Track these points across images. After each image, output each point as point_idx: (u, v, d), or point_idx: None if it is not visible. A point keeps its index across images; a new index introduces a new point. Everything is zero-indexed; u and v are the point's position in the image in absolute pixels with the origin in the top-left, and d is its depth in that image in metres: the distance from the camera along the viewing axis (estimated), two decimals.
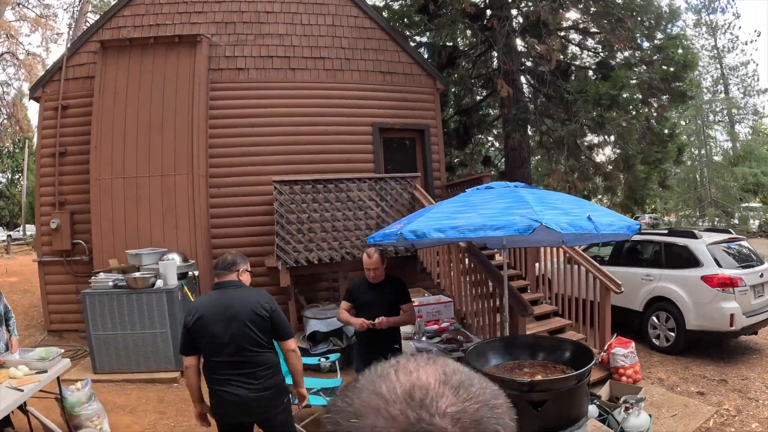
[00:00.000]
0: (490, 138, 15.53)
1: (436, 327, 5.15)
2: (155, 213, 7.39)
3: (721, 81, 19.29)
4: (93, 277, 5.99)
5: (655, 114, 9.47)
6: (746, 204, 16.18)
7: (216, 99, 8.00)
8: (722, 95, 21.28)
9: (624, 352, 5.47)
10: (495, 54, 11.60)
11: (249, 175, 8.02)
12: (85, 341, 6.58)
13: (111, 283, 5.84)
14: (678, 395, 5.20)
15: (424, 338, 4.91)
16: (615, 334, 6.18)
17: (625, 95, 8.35)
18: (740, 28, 36.84)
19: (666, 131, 9.63)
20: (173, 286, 5.92)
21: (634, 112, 8.87)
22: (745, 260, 6.67)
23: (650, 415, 4.07)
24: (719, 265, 6.33)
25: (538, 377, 3.55)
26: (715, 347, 6.71)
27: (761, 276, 6.56)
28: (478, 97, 13.67)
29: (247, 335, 2.82)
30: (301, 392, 3.14)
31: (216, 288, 2.99)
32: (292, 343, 3.03)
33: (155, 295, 5.79)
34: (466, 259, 5.74)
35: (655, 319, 6.87)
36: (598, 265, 6.00)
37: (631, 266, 7.24)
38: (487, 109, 14.47)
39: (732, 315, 6.03)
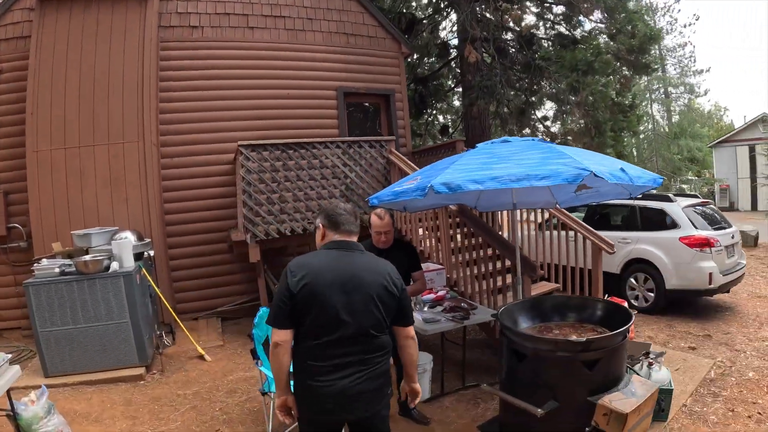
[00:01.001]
0: (445, 106, 15.34)
1: (432, 296, 4.80)
2: (102, 187, 6.54)
3: (659, 61, 20.25)
4: (35, 265, 5.13)
5: (618, 86, 9.60)
6: (685, 177, 17.13)
7: (167, 60, 7.18)
8: (659, 74, 22.38)
9: None
10: (455, 21, 11.31)
11: (206, 142, 7.30)
12: (30, 340, 5.79)
13: (57, 270, 5.03)
14: (673, 351, 5.19)
15: (426, 308, 4.55)
16: (606, 295, 6.14)
17: (601, 62, 8.34)
18: (679, 11, 38.76)
19: (627, 102, 9.78)
20: (130, 268, 5.20)
21: (604, 80, 8.90)
22: (717, 222, 6.82)
23: (668, 369, 3.96)
24: (695, 227, 6.44)
25: (573, 337, 3.31)
26: (691, 306, 6.86)
27: (732, 237, 6.78)
28: (436, 65, 13.36)
29: (373, 315, 2.19)
30: (415, 388, 2.52)
31: (333, 248, 2.29)
32: (413, 330, 2.43)
33: (111, 280, 5.04)
34: (457, 222, 5.42)
35: (633, 280, 6.93)
36: (587, 226, 5.87)
37: (606, 230, 7.20)
38: (441, 80, 14.23)
39: (710, 274, 6.19)
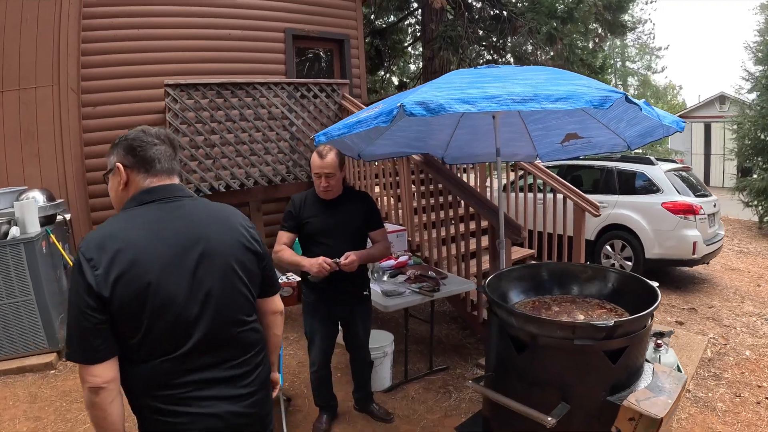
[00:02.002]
0: (402, 65, 14.37)
1: (392, 263, 3.97)
2: (11, 141, 5.26)
3: (635, 24, 19.91)
4: None
5: (591, 44, 8.94)
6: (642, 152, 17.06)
7: None
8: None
9: None
10: None
11: (136, 88, 6.02)
12: None
13: None
14: (661, 326, 4.63)
15: (385, 278, 3.71)
16: (587, 263, 5.51)
17: (581, 11, 7.58)
18: None
19: (598, 64, 9.15)
20: (34, 233, 4.09)
21: (584, 29, 8.19)
22: (698, 190, 6.32)
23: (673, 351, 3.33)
24: (678, 193, 5.91)
25: (581, 317, 2.56)
26: (667, 277, 6.41)
27: (714, 206, 6.32)
28: (393, 18, 12.33)
29: (238, 294, 1.45)
30: (275, 377, 1.76)
31: (149, 202, 1.40)
32: (280, 300, 1.71)
33: (10, 249, 3.94)
34: (422, 176, 4.58)
35: (608, 248, 6.38)
36: (569, 184, 5.17)
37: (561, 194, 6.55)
38: (400, 35, 13.23)
39: (695, 243, 5.69)
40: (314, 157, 2.63)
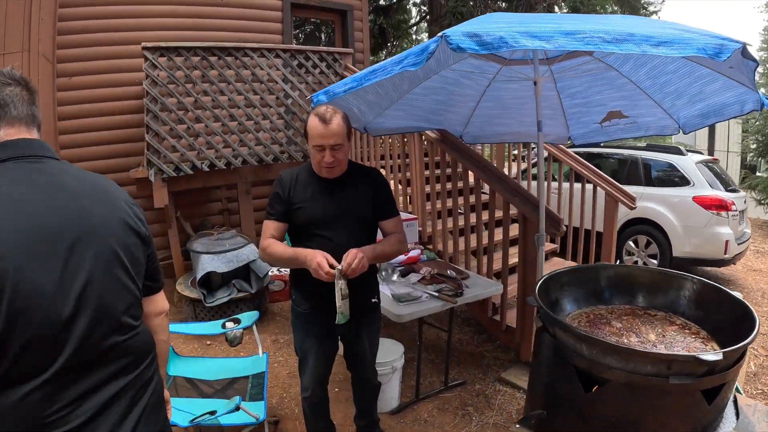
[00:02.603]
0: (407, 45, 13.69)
1: (402, 257, 3.39)
2: None
3: None
4: None
5: None
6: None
7: None
8: None
9: None
10: None
11: (116, 57, 5.31)
12: None
13: None
14: None
15: (395, 277, 3.13)
16: (618, 261, 4.99)
17: None
18: None
19: None
20: None
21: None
22: (727, 184, 5.78)
23: None
24: (710, 186, 5.37)
25: (651, 337, 2.01)
26: None
27: (744, 202, 5.81)
28: None
29: (122, 288, 1.12)
30: (167, 395, 1.38)
31: (2, 160, 1.06)
32: (165, 299, 1.40)
33: None
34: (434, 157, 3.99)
35: (632, 243, 5.84)
36: (600, 171, 4.59)
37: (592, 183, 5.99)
38: (404, 15, 12.54)
39: (727, 242, 5.16)
40: (313, 122, 1.93)
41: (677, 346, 1.97)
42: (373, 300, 2.20)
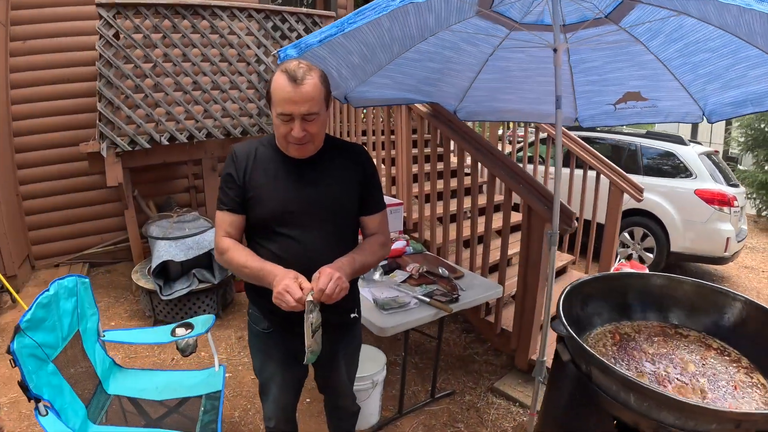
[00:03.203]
0: None
1: None
2: None
3: None
4: None
5: None
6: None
7: None
8: None
9: None
10: None
11: (75, 18, 4.65)
12: None
13: None
14: None
15: (377, 275, 2.68)
16: (618, 256, 4.65)
17: None
18: None
19: None
20: None
21: None
22: (729, 178, 5.47)
23: None
24: (713, 180, 5.06)
25: (690, 368, 1.67)
26: (681, 272, 5.64)
27: (745, 197, 5.53)
28: None
29: None
30: None
31: None
32: None
33: None
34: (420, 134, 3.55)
35: (627, 235, 5.51)
36: (604, 158, 4.22)
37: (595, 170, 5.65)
38: None
39: (728, 239, 4.87)
40: (279, 81, 1.39)
41: (721, 380, 1.62)
42: (352, 315, 1.72)
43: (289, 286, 1.32)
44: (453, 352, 3.45)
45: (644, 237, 5.37)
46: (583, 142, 4.30)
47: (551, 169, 4.75)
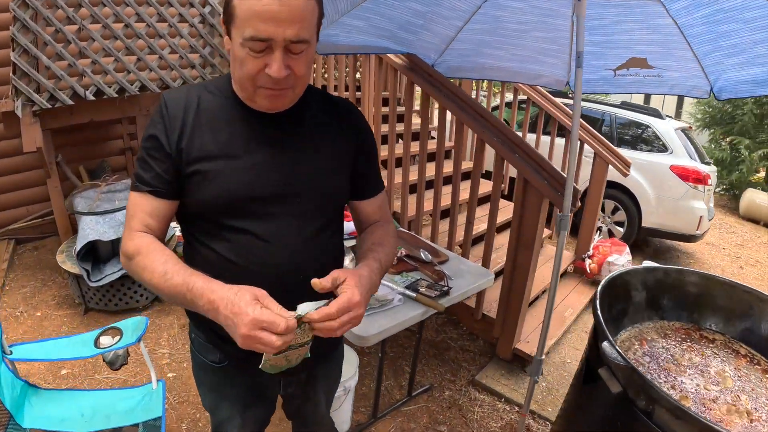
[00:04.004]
0: None
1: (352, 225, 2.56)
2: None
3: None
4: None
5: None
6: None
7: None
8: None
9: (623, 262, 3.72)
10: None
11: None
12: None
13: None
14: None
15: (348, 261, 2.27)
16: (599, 231, 4.44)
17: None
18: None
19: None
20: None
21: None
22: (702, 155, 5.34)
23: None
24: (689, 156, 4.91)
25: (728, 383, 1.43)
26: (649, 247, 5.57)
27: (717, 176, 5.45)
28: None
29: None
30: None
31: None
32: None
33: None
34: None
35: None
36: (590, 127, 3.93)
37: (561, 136, 5.29)
38: None
39: (701, 217, 4.78)
40: None
41: (761, 396, 1.40)
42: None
43: (261, 321, 0.81)
44: (424, 337, 3.14)
45: (615, 210, 5.21)
46: (566, 108, 3.99)
47: (534, 137, 4.45)
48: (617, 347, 1.19)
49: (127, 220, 1.02)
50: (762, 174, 9.15)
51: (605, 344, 1.20)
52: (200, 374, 1.26)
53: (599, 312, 1.31)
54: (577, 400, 1.49)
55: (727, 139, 9.06)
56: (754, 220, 7.62)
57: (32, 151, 3.41)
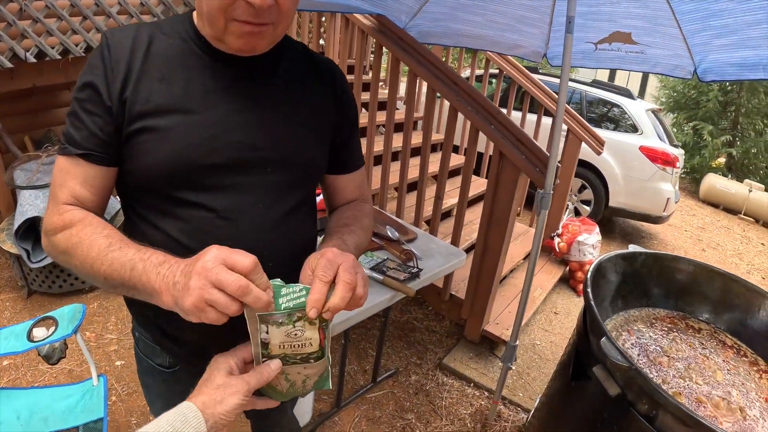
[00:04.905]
0: None
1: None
2: None
3: None
4: None
5: None
6: None
7: None
8: None
9: (593, 241, 3.67)
10: None
11: None
12: None
13: None
14: None
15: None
16: (567, 209, 4.38)
17: None
18: None
19: None
20: None
21: None
22: (671, 138, 5.35)
23: None
24: (659, 138, 4.90)
25: (718, 377, 1.35)
26: (610, 226, 5.59)
27: (685, 160, 5.48)
28: None
29: None
30: None
31: None
32: None
33: None
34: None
35: None
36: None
37: (531, 113, 4.78)
38: None
39: (668, 199, 4.80)
40: None
41: (750, 390, 1.34)
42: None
43: (219, 258, 0.62)
44: (403, 327, 3.01)
45: (582, 189, 5.19)
46: (541, 83, 3.87)
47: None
48: (618, 345, 1.06)
49: (53, 191, 0.81)
50: (722, 159, 9.39)
51: (605, 341, 1.08)
52: (147, 379, 1.08)
53: (593, 303, 1.19)
54: (562, 397, 1.39)
55: (690, 124, 9.23)
56: (713, 204, 7.81)
57: None
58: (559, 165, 2.19)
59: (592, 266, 1.42)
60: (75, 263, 0.75)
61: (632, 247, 1.73)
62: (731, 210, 7.57)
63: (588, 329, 1.31)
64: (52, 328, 1.56)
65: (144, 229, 0.84)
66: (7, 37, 3.03)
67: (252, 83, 0.84)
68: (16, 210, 2.86)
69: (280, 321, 0.66)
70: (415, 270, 1.82)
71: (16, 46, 3.06)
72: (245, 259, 0.61)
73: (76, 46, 3.27)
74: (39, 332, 1.56)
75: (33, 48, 3.15)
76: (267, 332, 0.67)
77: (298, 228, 0.91)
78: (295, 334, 0.68)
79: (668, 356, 1.35)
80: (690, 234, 6.28)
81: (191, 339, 0.90)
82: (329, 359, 0.75)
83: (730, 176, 8.65)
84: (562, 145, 3.78)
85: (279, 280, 0.67)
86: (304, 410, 2.00)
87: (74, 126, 0.78)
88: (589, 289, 1.27)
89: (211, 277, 0.60)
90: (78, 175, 0.79)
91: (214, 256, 0.62)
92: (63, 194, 0.79)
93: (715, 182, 7.72)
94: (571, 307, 3.47)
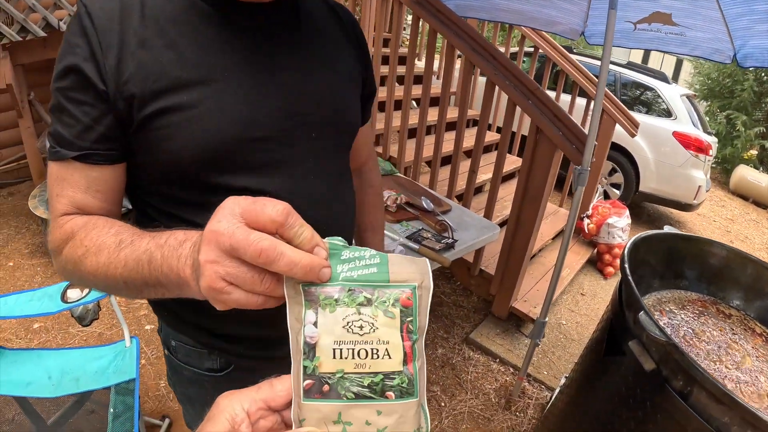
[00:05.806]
0: None
1: None
2: None
3: None
4: None
5: None
6: None
7: None
8: None
9: (623, 224, 3.64)
10: None
11: None
12: None
13: None
14: None
15: None
16: (598, 191, 4.34)
17: None
18: None
19: None
20: None
21: None
22: (705, 125, 5.19)
23: None
24: (693, 125, 4.78)
25: (747, 362, 1.35)
26: (638, 210, 5.50)
27: (718, 149, 5.33)
28: None
29: None
30: None
31: None
32: None
33: None
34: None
35: None
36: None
37: (565, 93, 4.77)
38: None
39: (700, 187, 4.69)
40: None
41: None
42: None
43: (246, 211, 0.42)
44: None
45: (613, 172, 5.10)
46: (576, 61, 3.80)
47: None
48: (661, 327, 1.07)
49: (50, 205, 0.67)
50: (755, 152, 9.09)
51: (642, 315, 1.08)
52: (190, 390, 0.89)
53: (630, 278, 1.20)
54: (594, 373, 1.40)
55: (724, 113, 8.94)
56: (743, 197, 7.60)
57: (1, 88, 3.15)
58: (596, 143, 2.15)
59: (630, 242, 1.42)
60: (89, 279, 0.60)
61: (667, 228, 1.71)
62: (760, 204, 7.35)
63: (624, 304, 1.31)
64: (86, 290, 1.62)
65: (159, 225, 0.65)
66: (40, 7, 3.09)
67: (274, 34, 0.69)
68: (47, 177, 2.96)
69: (336, 298, 0.41)
70: (451, 241, 1.84)
71: (50, 15, 3.12)
72: (273, 206, 0.41)
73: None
74: (73, 293, 1.59)
75: (66, 17, 3.22)
76: (315, 322, 0.41)
77: (350, 194, 0.83)
78: (361, 327, 0.41)
79: (698, 337, 1.35)
80: (718, 225, 6.14)
81: (253, 334, 0.75)
82: (425, 407, 0.44)
83: (761, 169, 8.39)
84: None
85: (340, 238, 0.44)
86: None
87: (62, 123, 0.63)
88: (626, 264, 1.27)
89: (223, 242, 0.40)
90: (78, 182, 0.64)
91: (228, 211, 0.41)
92: (61, 206, 0.65)
93: (745, 174, 7.50)
94: (597, 289, 3.46)
